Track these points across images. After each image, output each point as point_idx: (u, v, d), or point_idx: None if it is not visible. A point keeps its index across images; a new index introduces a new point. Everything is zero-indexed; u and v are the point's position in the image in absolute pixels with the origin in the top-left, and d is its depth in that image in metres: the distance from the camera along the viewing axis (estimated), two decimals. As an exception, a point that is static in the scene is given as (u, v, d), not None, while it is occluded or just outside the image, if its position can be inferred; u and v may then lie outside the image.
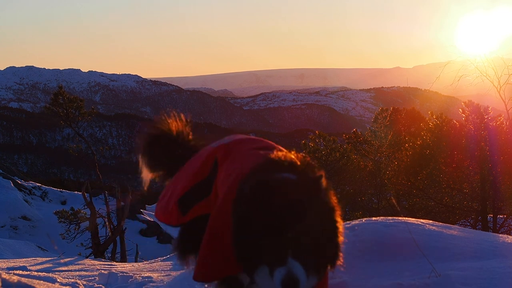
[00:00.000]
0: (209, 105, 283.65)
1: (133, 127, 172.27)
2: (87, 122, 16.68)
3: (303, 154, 2.36)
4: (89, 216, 16.02)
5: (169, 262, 10.25)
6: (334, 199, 2.16)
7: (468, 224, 12.85)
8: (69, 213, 16.28)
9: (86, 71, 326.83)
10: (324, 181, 2.12)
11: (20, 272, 4.77)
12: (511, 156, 11.76)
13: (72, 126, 16.09)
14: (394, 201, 15.52)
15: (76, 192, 30.87)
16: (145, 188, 3.47)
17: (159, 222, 3.24)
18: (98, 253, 15.74)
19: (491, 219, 12.34)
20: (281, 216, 1.99)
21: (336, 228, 2.14)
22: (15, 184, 28.80)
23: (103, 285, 5.09)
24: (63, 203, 29.29)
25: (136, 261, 16.21)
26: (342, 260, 2.18)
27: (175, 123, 3.34)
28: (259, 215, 2.02)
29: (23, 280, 3.04)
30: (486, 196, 11.98)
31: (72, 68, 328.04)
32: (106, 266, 8.69)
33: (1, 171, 30.89)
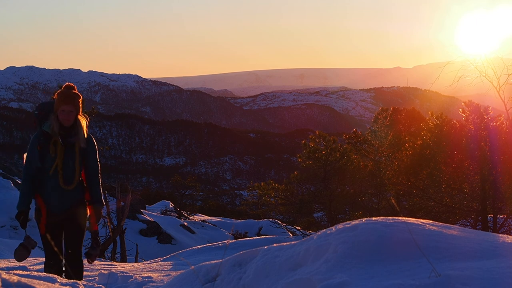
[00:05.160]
0: (209, 105, 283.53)
1: (133, 127, 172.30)
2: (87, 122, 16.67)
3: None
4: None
5: (169, 262, 10.26)
6: None
7: (468, 224, 12.84)
8: (69, 213, 16.28)
9: (86, 71, 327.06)
10: None
11: (20, 272, 4.77)
12: (511, 156, 11.74)
13: (72, 126, 16.08)
14: (394, 201, 15.52)
15: (76, 192, 30.83)
16: None
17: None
18: (98, 253, 15.73)
19: (491, 219, 12.32)
20: None
21: None
22: (15, 184, 28.77)
23: (103, 285, 5.10)
24: (63, 203, 29.27)
25: (136, 261, 16.21)
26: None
27: None
28: None
29: (23, 280, 3.04)
30: (486, 196, 11.97)
31: (72, 68, 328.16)
32: (106, 266, 8.70)
33: (1, 171, 30.87)
